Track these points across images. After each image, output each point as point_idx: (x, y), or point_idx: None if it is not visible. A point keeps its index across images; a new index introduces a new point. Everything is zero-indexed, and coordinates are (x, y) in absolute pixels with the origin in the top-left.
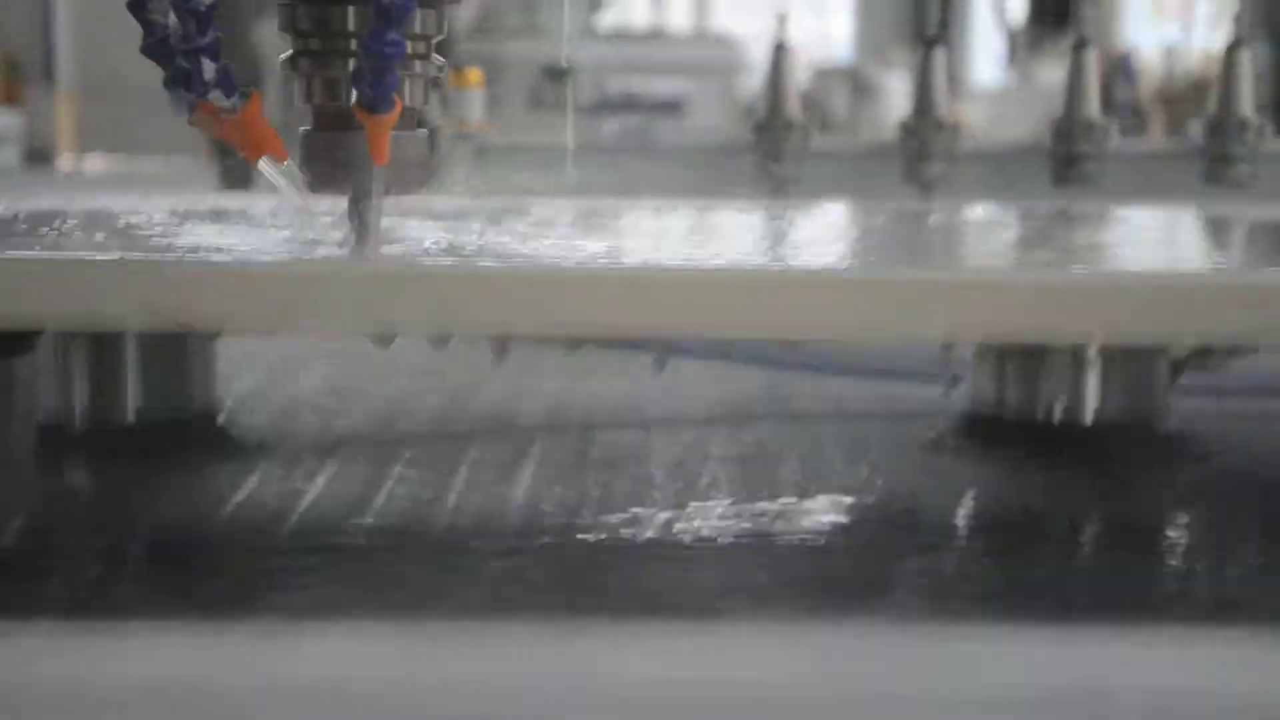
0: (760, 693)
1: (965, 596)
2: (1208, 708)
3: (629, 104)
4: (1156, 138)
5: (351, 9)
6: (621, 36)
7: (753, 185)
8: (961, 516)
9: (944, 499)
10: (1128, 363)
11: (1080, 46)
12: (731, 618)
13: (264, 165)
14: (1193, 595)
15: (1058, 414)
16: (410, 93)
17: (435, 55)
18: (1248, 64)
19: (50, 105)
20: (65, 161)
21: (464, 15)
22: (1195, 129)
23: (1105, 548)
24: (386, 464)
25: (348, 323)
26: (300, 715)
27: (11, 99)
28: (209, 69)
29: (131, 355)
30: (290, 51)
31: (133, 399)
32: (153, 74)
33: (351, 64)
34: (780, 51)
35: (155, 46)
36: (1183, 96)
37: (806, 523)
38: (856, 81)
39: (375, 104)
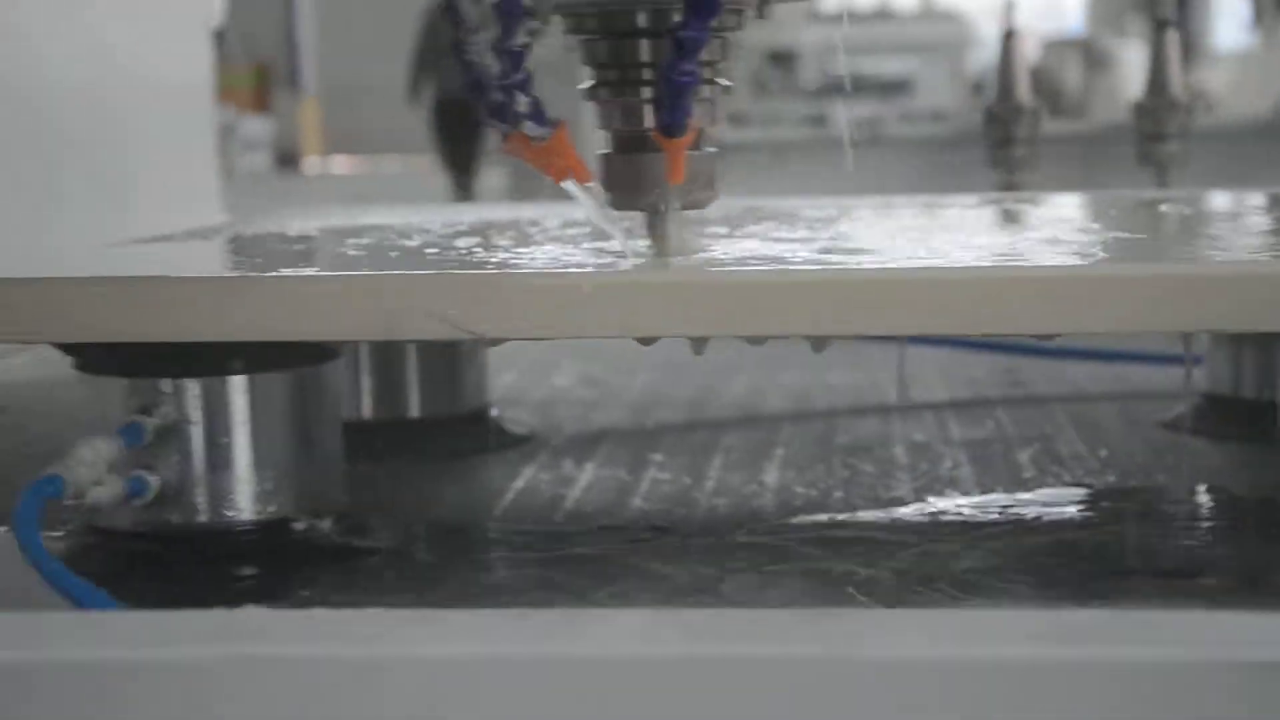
0: (1002, 664)
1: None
2: None
3: (856, 85)
4: None
5: (646, 42)
6: (846, 16)
7: (984, 172)
8: (1195, 499)
9: (1179, 480)
10: None
11: None
12: (980, 598)
13: (569, 186)
14: None
15: None
16: (700, 114)
17: (720, 79)
18: None
19: (296, 111)
20: (311, 164)
21: None
22: None
23: None
24: (646, 452)
25: (654, 327)
26: (584, 685)
27: (262, 106)
28: (523, 102)
29: (413, 358)
30: (591, 81)
31: (416, 398)
32: (389, 79)
33: (645, 92)
34: (1010, 37)
35: (472, 84)
36: None
37: (1043, 507)
38: (1089, 54)
39: (672, 128)
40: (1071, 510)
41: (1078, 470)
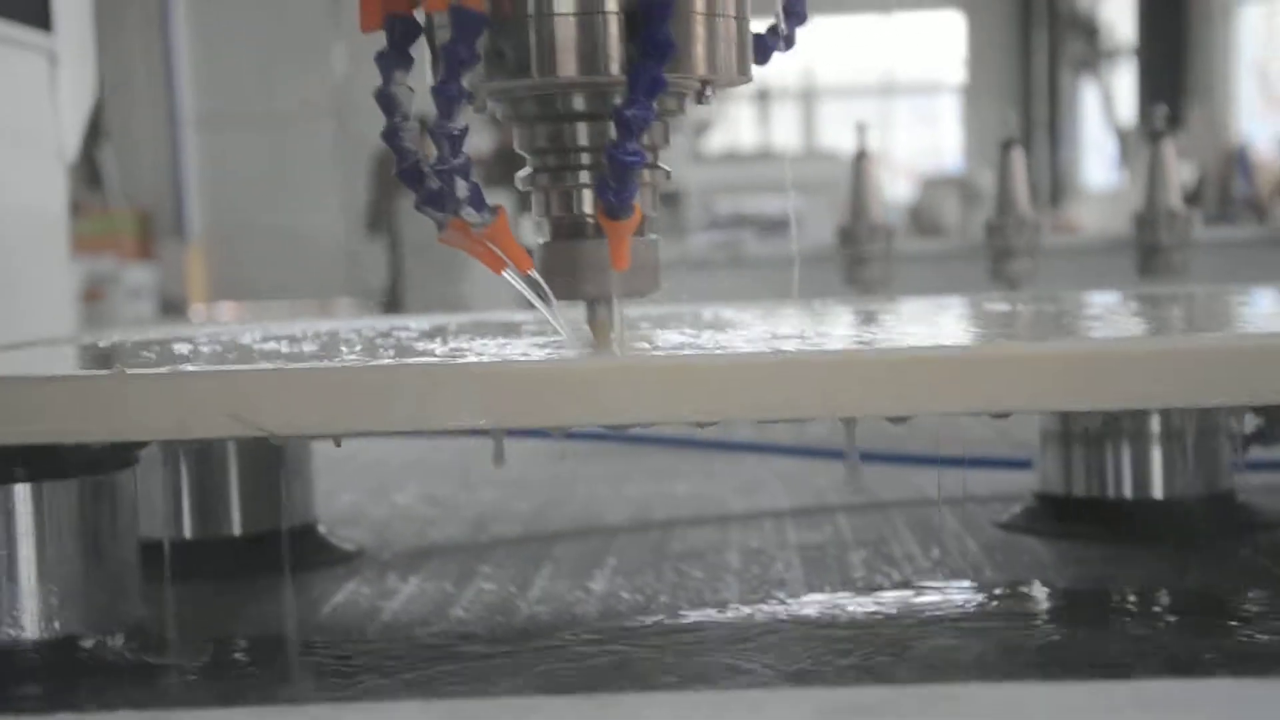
0: None
1: (1009, 662)
2: None
3: (738, 223)
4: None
5: (584, 125)
6: (730, 158)
7: (841, 289)
8: (1019, 591)
9: (1008, 575)
10: (1194, 438)
11: (1157, 137)
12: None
13: (510, 276)
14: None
15: (1126, 491)
16: (643, 200)
17: (660, 165)
18: None
19: (181, 257)
20: (196, 311)
21: None
22: None
23: (1167, 616)
24: (476, 565)
25: (603, 416)
26: None
27: (145, 254)
28: (462, 187)
29: (234, 470)
30: (528, 169)
31: (236, 512)
32: (272, 224)
33: (584, 177)
34: (860, 159)
35: (407, 171)
36: None
37: (860, 607)
38: (965, 189)
39: (618, 210)
40: (879, 607)
41: (908, 570)
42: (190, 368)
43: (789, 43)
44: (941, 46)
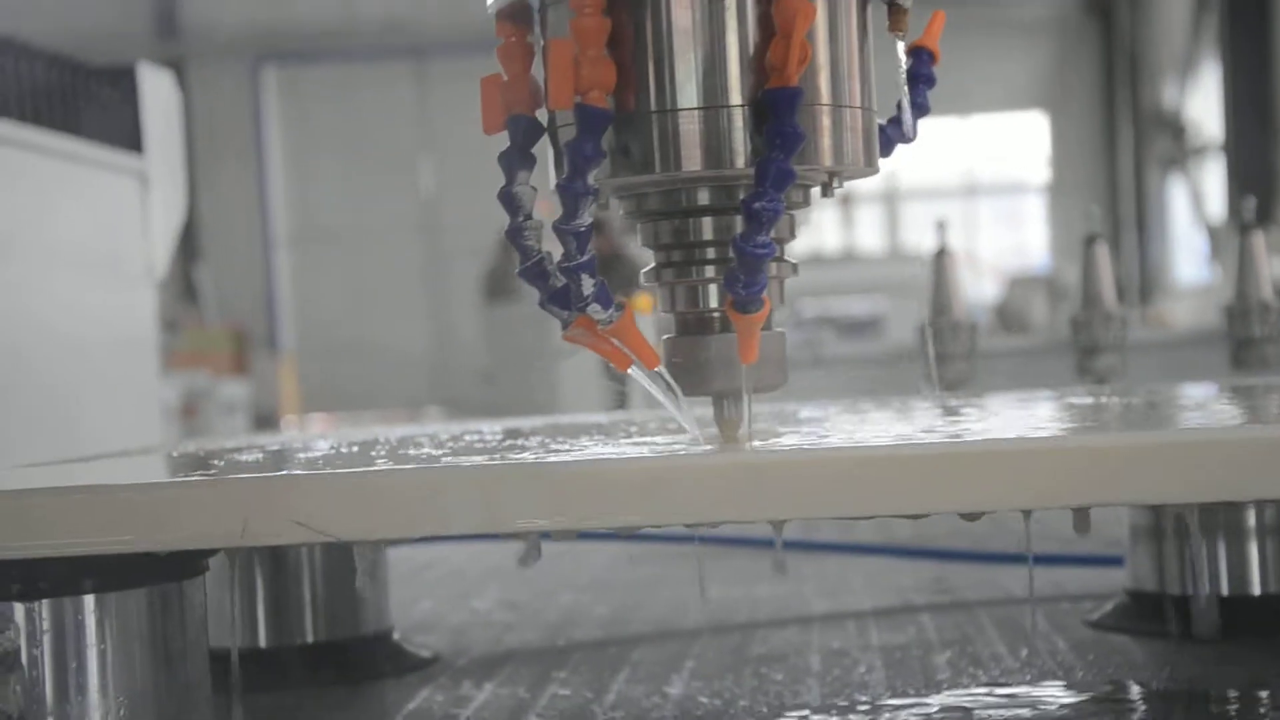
0: None
1: None
2: None
3: (822, 324)
4: None
5: (709, 219)
6: (814, 260)
7: (924, 386)
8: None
9: (1099, 678)
10: None
11: (1247, 230)
12: None
13: (635, 373)
14: None
15: (1221, 589)
16: (770, 293)
17: (786, 259)
18: None
19: (274, 372)
20: (289, 423)
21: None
22: None
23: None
24: (552, 670)
25: (738, 512)
26: None
27: (240, 369)
28: (588, 284)
29: (308, 578)
30: (652, 265)
31: (311, 620)
32: (361, 335)
33: (710, 271)
34: (941, 256)
35: (531, 269)
36: None
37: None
38: (1052, 288)
39: (747, 304)
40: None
41: (994, 671)
42: (253, 474)
43: (911, 135)
44: (1025, 147)
